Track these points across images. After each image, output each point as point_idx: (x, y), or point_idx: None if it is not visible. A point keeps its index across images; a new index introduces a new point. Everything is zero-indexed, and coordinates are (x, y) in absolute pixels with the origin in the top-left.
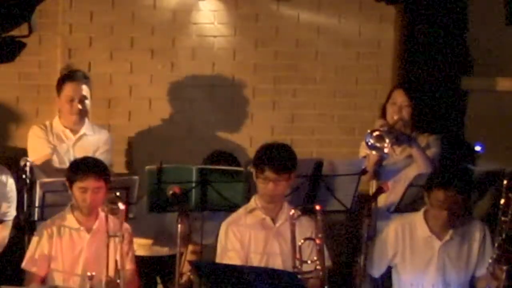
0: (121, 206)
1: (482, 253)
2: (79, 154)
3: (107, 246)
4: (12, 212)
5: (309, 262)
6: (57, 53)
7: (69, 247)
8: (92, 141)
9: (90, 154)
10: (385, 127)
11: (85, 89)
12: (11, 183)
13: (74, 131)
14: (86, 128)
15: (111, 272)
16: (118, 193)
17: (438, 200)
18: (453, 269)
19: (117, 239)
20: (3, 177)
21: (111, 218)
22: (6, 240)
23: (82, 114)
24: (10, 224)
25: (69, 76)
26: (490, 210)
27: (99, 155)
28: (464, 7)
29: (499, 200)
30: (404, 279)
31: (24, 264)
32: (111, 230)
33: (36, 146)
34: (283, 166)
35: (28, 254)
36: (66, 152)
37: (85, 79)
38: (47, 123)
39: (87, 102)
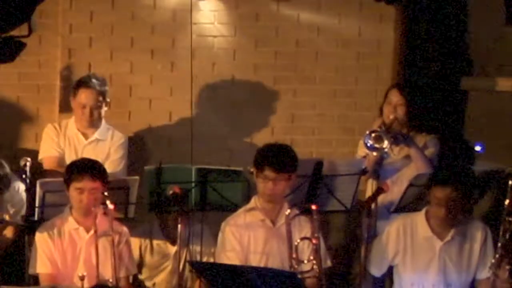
0: (110, 205)
1: (483, 254)
2: None
3: (96, 246)
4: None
5: (305, 261)
6: (57, 53)
7: (69, 247)
8: (103, 148)
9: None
10: (382, 127)
11: (99, 97)
12: (22, 189)
13: (85, 135)
14: (99, 133)
15: (108, 274)
16: (106, 193)
17: (437, 197)
18: (454, 270)
19: (113, 240)
20: (16, 184)
21: (104, 218)
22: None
23: (93, 122)
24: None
25: (85, 82)
26: (490, 210)
27: (110, 163)
28: (464, 7)
29: (499, 200)
30: (405, 279)
31: (36, 269)
32: (103, 230)
33: (45, 146)
34: (283, 165)
35: (38, 258)
36: (74, 155)
37: (101, 87)
38: (64, 122)
39: (101, 110)
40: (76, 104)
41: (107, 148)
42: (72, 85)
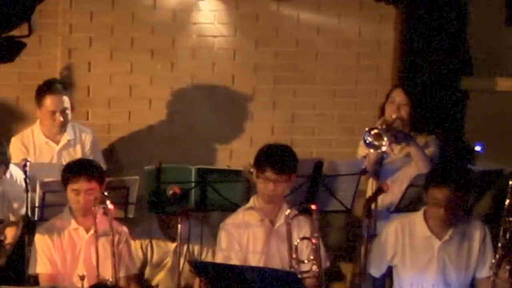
0: (110, 205)
1: (482, 253)
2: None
3: (96, 246)
4: (23, 211)
5: (305, 261)
6: (57, 53)
7: (69, 247)
8: (77, 149)
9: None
10: (383, 125)
11: (65, 100)
12: (20, 179)
13: (56, 141)
14: (68, 134)
15: (108, 274)
16: (106, 193)
17: (435, 198)
18: (453, 269)
19: (113, 240)
20: (14, 174)
21: (103, 218)
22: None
23: (64, 125)
24: (20, 223)
25: (49, 88)
26: (490, 210)
27: None
28: (464, 7)
29: (499, 200)
30: (404, 279)
31: (35, 269)
32: (103, 230)
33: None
34: (284, 167)
35: (37, 258)
36: (50, 162)
37: (65, 90)
38: (27, 132)
39: (68, 112)
40: (44, 112)
41: (79, 149)
42: (35, 94)
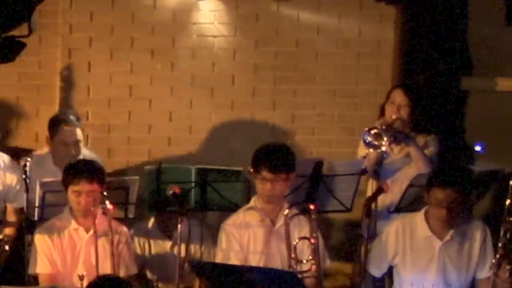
0: (109, 205)
1: (483, 253)
2: None
3: (95, 246)
4: (18, 202)
5: (304, 261)
6: (57, 53)
7: (69, 247)
8: None
9: None
10: (383, 125)
11: (78, 133)
12: (7, 163)
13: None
14: None
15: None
16: (105, 193)
17: (437, 198)
18: (454, 269)
19: (112, 240)
20: (4, 161)
21: (103, 218)
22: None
23: (75, 157)
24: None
25: (63, 119)
26: (490, 210)
27: None
28: (464, 7)
29: (499, 200)
30: (404, 279)
31: (35, 269)
32: (103, 231)
33: None
34: (279, 166)
35: (37, 258)
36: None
37: (78, 121)
38: (38, 157)
39: (81, 144)
40: (57, 142)
41: None
42: (49, 123)
